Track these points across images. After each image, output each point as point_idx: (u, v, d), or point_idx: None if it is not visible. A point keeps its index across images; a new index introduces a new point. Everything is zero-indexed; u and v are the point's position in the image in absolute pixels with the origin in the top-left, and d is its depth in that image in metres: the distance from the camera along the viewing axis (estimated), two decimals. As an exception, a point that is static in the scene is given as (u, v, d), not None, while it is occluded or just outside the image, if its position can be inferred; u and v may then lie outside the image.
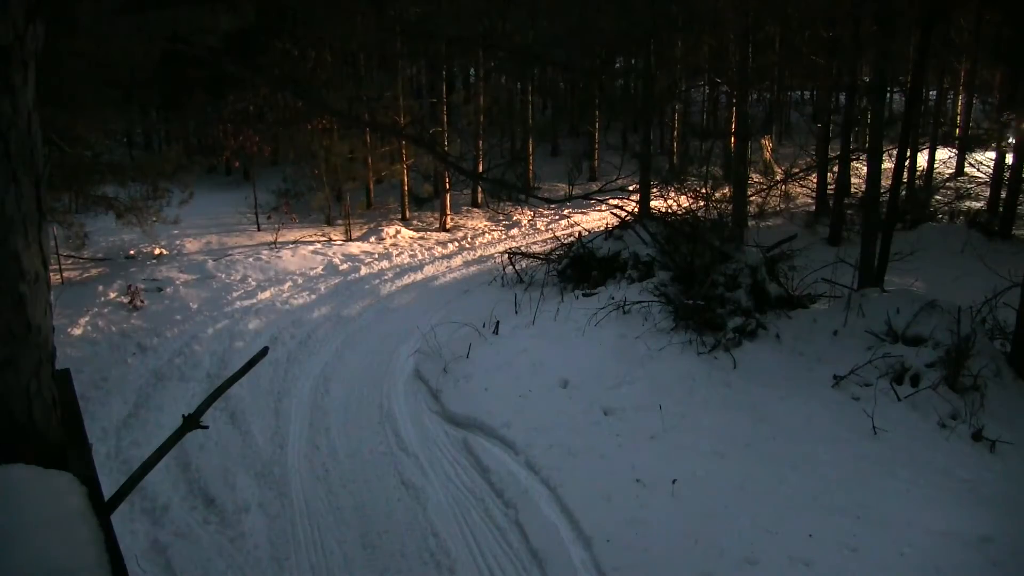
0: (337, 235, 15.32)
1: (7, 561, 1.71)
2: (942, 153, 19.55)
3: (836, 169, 15.04)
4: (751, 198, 13.91)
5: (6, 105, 2.19)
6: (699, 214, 10.42)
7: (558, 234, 15.35)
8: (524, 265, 11.98)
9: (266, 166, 18.43)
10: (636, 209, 13.11)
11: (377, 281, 12.12)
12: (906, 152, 9.85)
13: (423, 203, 17.51)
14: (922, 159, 18.01)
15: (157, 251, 13.38)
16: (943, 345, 6.66)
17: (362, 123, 15.18)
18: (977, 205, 15.60)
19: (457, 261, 13.83)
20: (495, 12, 13.82)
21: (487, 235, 16.05)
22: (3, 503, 1.89)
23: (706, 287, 7.90)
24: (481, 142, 17.85)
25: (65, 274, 11.71)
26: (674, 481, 5.18)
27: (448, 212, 16.68)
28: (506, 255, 12.38)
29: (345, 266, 12.91)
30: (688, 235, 9.05)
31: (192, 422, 3.17)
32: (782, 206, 16.71)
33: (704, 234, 9.03)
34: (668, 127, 22.06)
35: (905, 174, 11.90)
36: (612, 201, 10.95)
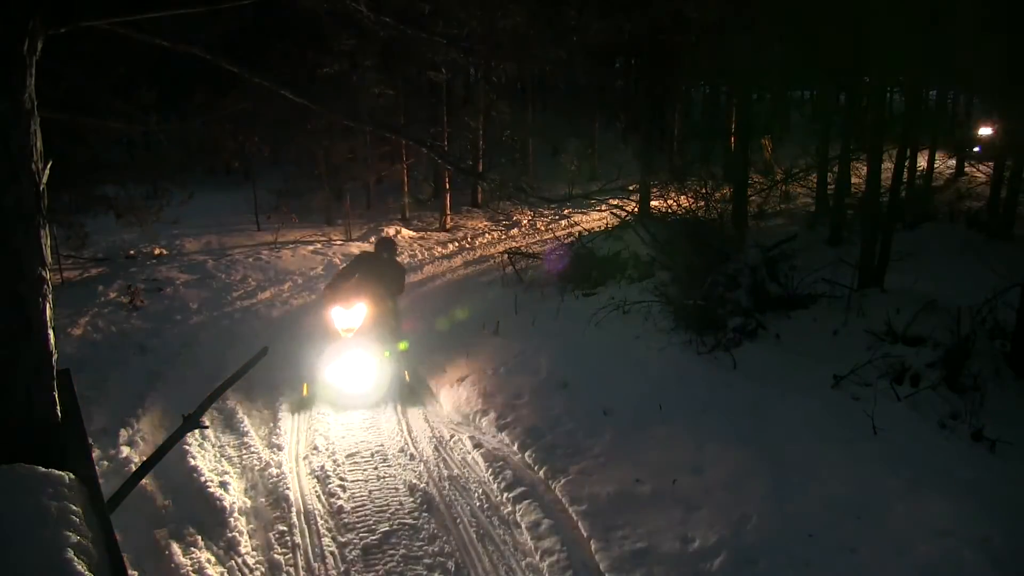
0: (337, 235, 15.32)
1: (7, 560, 1.71)
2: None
3: (836, 169, 15.04)
4: (751, 198, 13.91)
5: (6, 105, 2.20)
6: (699, 214, 10.41)
7: (558, 234, 15.36)
8: (524, 265, 11.98)
9: (266, 166, 18.43)
10: (636, 209, 13.11)
11: (377, 281, 12.10)
12: (906, 152, 9.86)
13: (423, 203, 17.52)
14: (922, 159, 18.00)
15: (157, 251, 13.39)
16: (943, 345, 6.66)
17: (362, 123, 15.20)
18: (977, 205, 15.61)
19: (457, 261, 13.84)
20: (496, 12, 13.81)
21: (487, 235, 16.06)
22: (3, 503, 1.89)
23: (706, 287, 7.90)
24: (481, 142, 17.87)
25: (65, 274, 11.71)
26: (674, 481, 5.18)
27: (448, 212, 16.69)
28: (506, 255, 12.39)
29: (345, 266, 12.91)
30: (688, 235, 9.04)
31: (192, 422, 3.17)
32: (782, 206, 16.72)
33: (704, 234, 9.02)
34: (668, 127, 22.07)
35: (905, 174, 11.90)
36: (612, 201, 10.97)
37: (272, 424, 6.61)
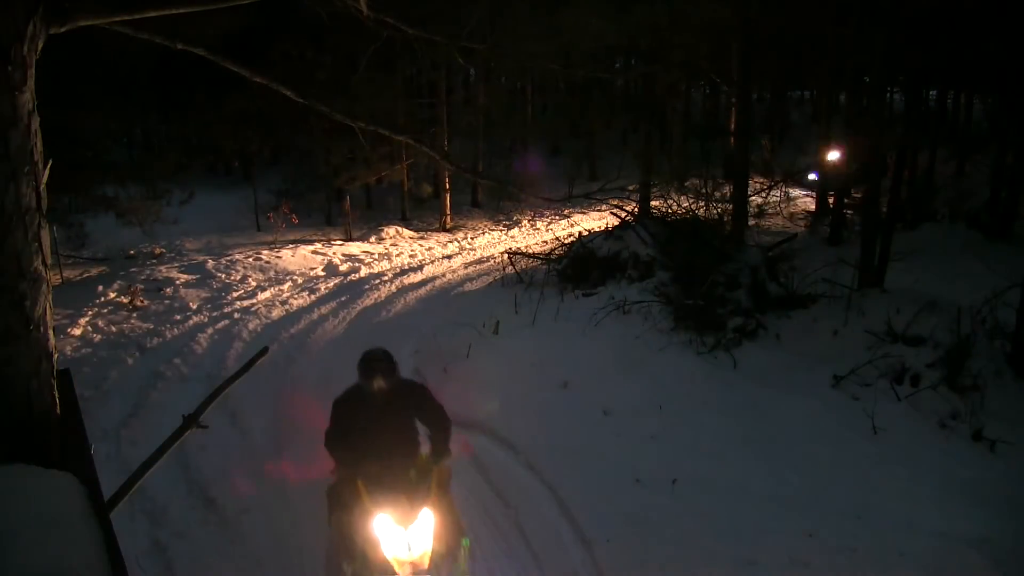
0: (337, 235, 15.33)
1: (7, 561, 1.70)
2: (942, 152, 19.55)
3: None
4: (751, 198, 13.92)
5: (6, 105, 2.19)
6: (699, 214, 10.41)
7: (558, 234, 15.35)
8: (524, 265, 11.97)
9: (266, 166, 18.45)
10: (636, 209, 13.10)
11: (377, 281, 12.12)
12: (907, 152, 9.86)
13: (423, 203, 17.52)
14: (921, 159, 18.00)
15: (157, 251, 13.39)
16: (943, 345, 6.65)
17: (362, 123, 15.21)
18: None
19: (457, 261, 13.84)
20: (496, 11, 13.80)
21: (487, 235, 16.06)
22: (3, 503, 1.89)
23: (706, 287, 7.90)
24: (481, 142, 17.88)
25: (65, 274, 11.71)
26: (674, 481, 5.18)
27: (448, 212, 16.70)
28: (506, 255, 12.39)
29: (345, 266, 12.91)
30: (688, 235, 9.05)
31: (192, 422, 3.17)
32: (782, 206, 16.73)
33: (704, 234, 9.03)
34: (668, 127, 22.06)
35: (905, 174, 11.90)
36: (612, 201, 10.98)
37: None
